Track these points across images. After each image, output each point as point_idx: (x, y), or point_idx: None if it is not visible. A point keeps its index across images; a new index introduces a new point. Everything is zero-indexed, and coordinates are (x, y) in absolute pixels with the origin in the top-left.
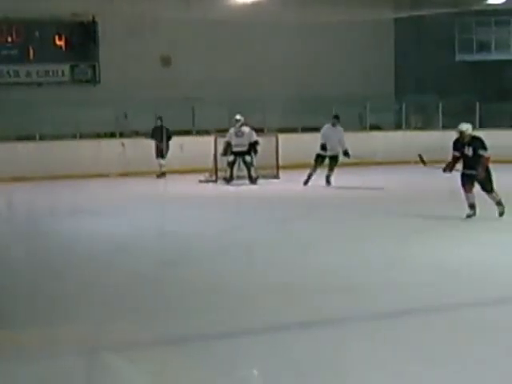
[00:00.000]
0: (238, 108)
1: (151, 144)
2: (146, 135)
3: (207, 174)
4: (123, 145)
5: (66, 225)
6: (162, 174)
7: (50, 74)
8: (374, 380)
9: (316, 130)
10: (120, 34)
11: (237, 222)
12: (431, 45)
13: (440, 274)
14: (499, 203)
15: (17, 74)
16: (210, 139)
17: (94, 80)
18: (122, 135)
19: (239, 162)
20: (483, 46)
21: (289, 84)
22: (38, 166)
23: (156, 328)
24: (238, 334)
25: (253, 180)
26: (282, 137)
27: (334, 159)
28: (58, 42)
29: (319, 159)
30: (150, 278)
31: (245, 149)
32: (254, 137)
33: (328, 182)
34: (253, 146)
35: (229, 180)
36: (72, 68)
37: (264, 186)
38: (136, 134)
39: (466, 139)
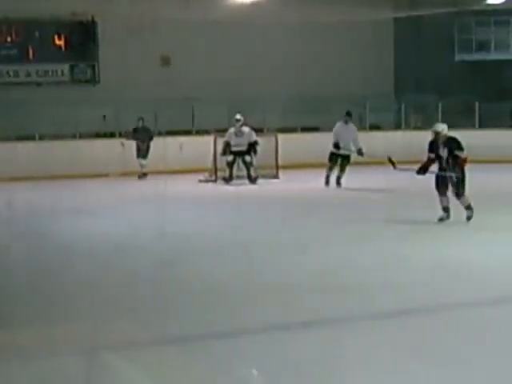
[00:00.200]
0: (237, 108)
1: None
2: (127, 136)
3: (207, 174)
4: (123, 145)
5: (65, 224)
6: (143, 175)
7: (50, 73)
8: (374, 380)
9: (315, 129)
10: (119, 33)
11: (236, 222)
12: (431, 45)
13: (439, 274)
14: (469, 207)
15: (16, 73)
16: (210, 139)
17: (93, 80)
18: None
19: (238, 161)
20: (483, 46)
21: (288, 84)
22: (37, 165)
23: (155, 328)
24: (238, 333)
25: (252, 180)
26: (281, 137)
27: (346, 159)
28: (57, 42)
29: (334, 157)
30: (149, 278)
31: (244, 149)
32: (254, 137)
33: (338, 183)
34: (252, 146)
35: (228, 180)
36: (71, 68)
37: (263, 185)
38: None
39: (442, 140)
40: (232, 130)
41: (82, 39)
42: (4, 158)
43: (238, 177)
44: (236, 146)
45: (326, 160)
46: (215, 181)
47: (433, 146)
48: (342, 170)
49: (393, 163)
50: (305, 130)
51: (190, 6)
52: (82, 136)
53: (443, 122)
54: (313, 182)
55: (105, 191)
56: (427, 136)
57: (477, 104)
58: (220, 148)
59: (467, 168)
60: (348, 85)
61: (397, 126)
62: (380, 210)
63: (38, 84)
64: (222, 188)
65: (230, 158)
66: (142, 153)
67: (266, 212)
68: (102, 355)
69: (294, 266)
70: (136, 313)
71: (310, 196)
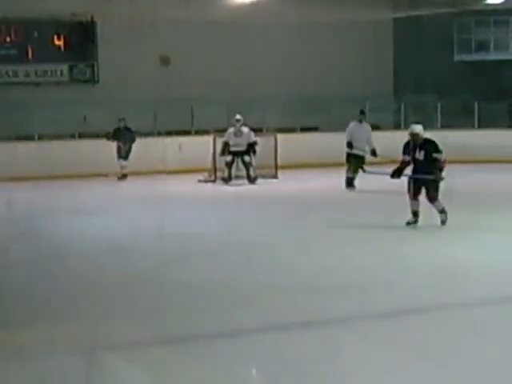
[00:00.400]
0: (236, 108)
1: (148, 143)
2: (107, 136)
3: (206, 174)
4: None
5: (64, 224)
6: (123, 176)
7: (49, 73)
8: (373, 380)
9: (315, 129)
10: (119, 33)
11: (235, 222)
12: (430, 45)
13: (438, 275)
14: (442, 211)
15: (15, 73)
16: (209, 139)
17: (92, 80)
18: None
19: (237, 162)
20: (482, 46)
21: (288, 84)
22: (36, 165)
23: (155, 328)
24: (237, 333)
25: (251, 180)
26: (280, 137)
27: (360, 160)
28: (56, 42)
29: (351, 158)
30: (149, 278)
31: (243, 149)
32: (253, 137)
33: (351, 185)
34: (251, 147)
35: (227, 180)
36: (71, 68)
37: (263, 185)
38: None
39: (418, 142)
40: (231, 130)
41: (82, 39)
42: (3, 158)
43: (237, 177)
44: (235, 146)
45: (325, 160)
46: (214, 181)
47: (408, 148)
48: (356, 171)
49: (362, 167)
50: (304, 130)
51: (190, 5)
52: (81, 136)
53: (443, 122)
54: (312, 182)
55: (104, 191)
56: (426, 136)
57: (476, 104)
58: (219, 148)
59: (446, 170)
60: (347, 85)
61: (396, 126)
62: (380, 211)
63: (37, 84)
64: (221, 188)
65: (229, 158)
66: (123, 154)
67: (266, 212)
68: (102, 355)
69: (294, 266)
70: (135, 313)
71: (310, 196)
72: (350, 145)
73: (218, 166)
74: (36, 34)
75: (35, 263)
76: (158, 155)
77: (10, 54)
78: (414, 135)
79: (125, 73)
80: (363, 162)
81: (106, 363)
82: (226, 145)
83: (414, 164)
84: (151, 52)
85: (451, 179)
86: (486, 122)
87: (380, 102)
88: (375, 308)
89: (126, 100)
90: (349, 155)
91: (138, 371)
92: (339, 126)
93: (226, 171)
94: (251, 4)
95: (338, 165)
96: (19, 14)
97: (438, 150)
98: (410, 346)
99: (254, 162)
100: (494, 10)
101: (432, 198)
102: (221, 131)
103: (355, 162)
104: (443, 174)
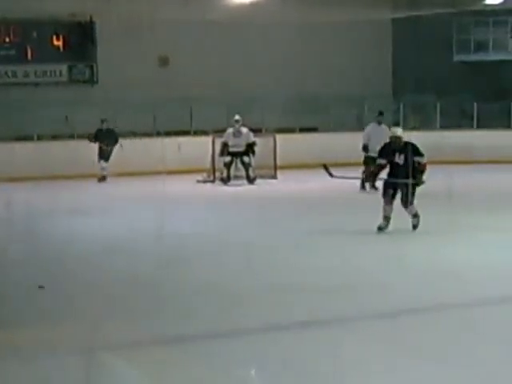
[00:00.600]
0: (235, 108)
1: (147, 144)
2: (89, 138)
3: (205, 175)
4: (121, 145)
5: (63, 225)
6: (102, 178)
7: (48, 74)
8: (373, 380)
9: (314, 130)
10: (118, 34)
11: (235, 223)
12: (429, 45)
13: (438, 275)
14: (416, 215)
15: (14, 74)
16: (208, 139)
17: (91, 80)
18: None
19: (236, 162)
20: (481, 47)
21: (287, 84)
22: (35, 166)
23: (154, 328)
24: (237, 333)
25: (251, 180)
26: (279, 137)
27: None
28: (55, 43)
29: (369, 161)
30: (148, 278)
31: (242, 149)
32: (252, 137)
33: (374, 187)
34: (250, 147)
35: (226, 181)
36: (70, 68)
37: (262, 186)
38: (133, 134)
39: (399, 145)
40: (230, 130)
41: (81, 39)
42: (2, 158)
43: (236, 177)
44: (234, 146)
45: (324, 160)
46: (213, 181)
47: (385, 152)
48: None
49: (329, 172)
50: (303, 130)
51: (189, 6)
52: (80, 136)
53: (442, 122)
54: (311, 182)
55: (103, 192)
56: (426, 136)
57: (475, 104)
58: (218, 148)
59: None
60: (347, 85)
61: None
62: (379, 212)
63: (37, 84)
64: (220, 188)
65: (228, 158)
66: (105, 155)
67: (265, 212)
68: (101, 355)
69: (293, 267)
70: (135, 313)
71: (309, 196)
72: (365, 148)
73: (216, 166)
74: (35, 34)
75: (34, 263)
76: (157, 155)
77: (9, 55)
78: (396, 138)
79: (124, 73)
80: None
81: (105, 363)
82: (224, 145)
83: (392, 168)
84: (150, 52)
85: (451, 180)
86: (485, 123)
87: (379, 103)
88: (375, 308)
89: (125, 100)
90: (366, 158)
91: (137, 371)
92: (338, 127)
93: (225, 172)
94: (250, 4)
95: (337, 165)
96: (18, 15)
97: (419, 153)
98: (410, 346)
99: (253, 163)
100: (493, 11)
101: (408, 202)
102: (220, 132)
103: (370, 164)
104: (424, 177)
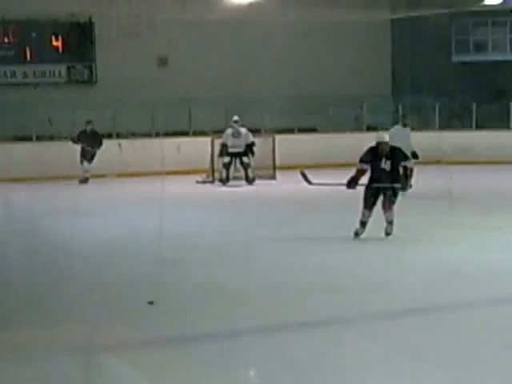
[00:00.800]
0: (234, 108)
1: (146, 144)
2: (73, 139)
3: (204, 175)
4: (120, 145)
5: (63, 225)
6: (84, 180)
7: (47, 74)
8: (373, 380)
9: (313, 130)
10: (117, 34)
11: (234, 223)
12: (428, 45)
13: (438, 275)
14: (391, 222)
15: (13, 74)
16: (207, 140)
17: (90, 80)
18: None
19: (235, 162)
20: (480, 47)
21: (285, 85)
22: (35, 166)
23: (154, 328)
24: (237, 334)
25: (250, 181)
26: (278, 137)
27: None
28: (54, 43)
29: None
30: (147, 279)
31: (241, 150)
32: (251, 138)
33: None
34: (249, 148)
35: (225, 181)
36: (69, 68)
37: (261, 186)
38: (133, 135)
39: (385, 151)
40: (229, 131)
41: (80, 40)
42: (1, 158)
43: (236, 178)
44: (233, 147)
45: (323, 161)
46: (213, 182)
47: (370, 157)
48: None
49: (307, 179)
50: (302, 130)
51: (188, 6)
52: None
53: (440, 122)
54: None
55: (102, 192)
56: (424, 137)
57: (474, 105)
58: (217, 149)
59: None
60: (345, 86)
61: None
62: (379, 211)
63: (36, 85)
64: (219, 189)
65: (227, 159)
66: (88, 157)
67: (264, 213)
68: (101, 356)
69: (293, 267)
70: (135, 313)
71: (308, 197)
72: None
73: (216, 166)
74: (34, 34)
75: (34, 263)
76: (156, 156)
77: (8, 55)
78: (384, 144)
79: (123, 73)
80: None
81: (104, 363)
82: (224, 146)
83: (377, 173)
84: (149, 53)
85: (450, 180)
86: (484, 123)
87: (378, 103)
88: (375, 308)
89: (124, 101)
90: None
91: (136, 371)
92: (337, 127)
93: (224, 172)
94: (250, 5)
95: (336, 165)
96: (17, 15)
97: (406, 158)
98: (410, 345)
99: (252, 163)
100: (492, 11)
101: (389, 207)
102: (219, 132)
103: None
104: (411, 181)
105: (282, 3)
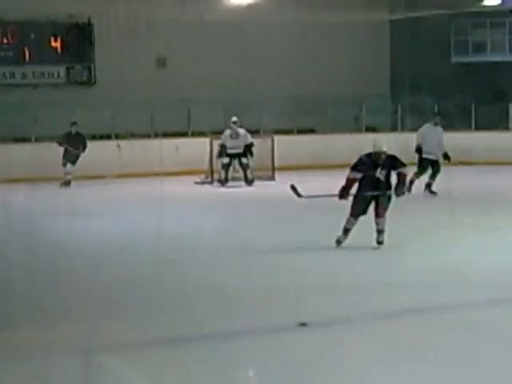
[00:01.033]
0: (233, 109)
1: (144, 145)
2: (58, 142)
3: (203, 176)
4: (119, 146)
5: (62, 226)
6: (67, 182)
7: (46, 75)
8: (373, 380)
9: (312, 131)
10: (116, 35)
11: (233, 224)
12: (427, 46)
13: (439, 275)
14: (383, 231)
15: (12, 75)
16: (206, 141)
17: (89, 81)
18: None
19: (234, 163)
20: (479, 48)
21: (284, 85)
22: (34, 167)
23: (154, 328)
24: (236, 334)
25: (249, 182)
26: (277, 138)
27: (436, 164)
28: (53, 44)
29: (425, 163)
30: (147, 279)
31: (240, 151)
32: (250, 139)
33: (431, 191)
34: (248, 148)
35: (223, 182)
36: (68, 69)
37: (260, 187)
38: (132, 135)
39: (382, 160)
40: (227, 132)
41: (78, 41)
42: (0, 159)
43: (234, 178)
44: (232, 148)
45: (322, 162)
46: (211, 183)
47: (364, 165)
48: (433, 177)
49: (297, 192)
50: (301, 131)
51: (187, 7)
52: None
53: (440, 123)
54: (309, 183)
55: (101, 193)
56: None
57: (473, 106)
58: (216, 150)
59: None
60: (344, 86)
61: (393, 128)
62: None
63: (34, 86)
64: (218, 190)
65: (226, 160)
66: (72, 159)
67: (263, 213)
68: (100, 356)
69: (292, 267)
70: (134, 313)
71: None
72: (419, 150)
73: (214, 167)
74: (33, 35)
75: (33, 264)
76: (155, 157)
77: (7, 56)
78: (380, 153)
79: (122, 74)
80: (439, 168)
81: (103, 363)
82: (222, 147)
83: (371, 182)
84: (148, 53)
85: (449, 181)
86: (483, 124)
87: (377, 104)
88: (375, 308)
89: (122, 101)
90: (421, 160)
91: (136, 371)
92: (336, 128)
93: (223, 173)
94: (248, 5)
95: (335, 166)
96: (16, 16)
97: (403, 165)
98: (410, 345)
99: (251, 164)
100: (491, 12)
101: (382, 213)
102: (217, 133)
103: (433, 168)
104: (411, 188)
105: (281, 4)
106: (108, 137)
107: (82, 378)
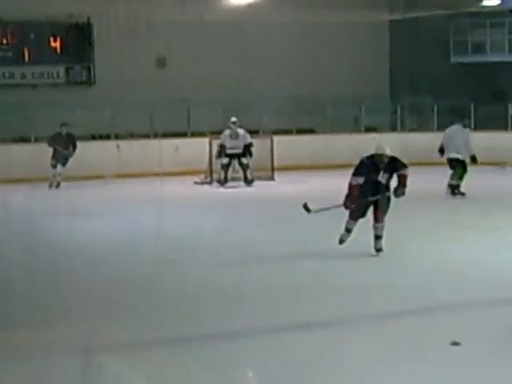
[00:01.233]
0: (233, 109)
1: (144, 145)
2: (49, 143)
3: (202, 176)
4: (118, 146)
5: (61, 226)
6: (57, 184)
7: (45, 75)
8: (373, 380)
9: (311, 131)
10: (115, 35)
11: (233, 224)
12: (426, 46)
13: (439, 275)
14: (381, 237)
15: (12, 75)
16: (206, 141)
17: (89, 81)
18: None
19: (234, 164)
20: (478, 48)
21: (284, 85)
22: (33, 167)
23: (154, 328)
24: (236, 334)
25: (248, 182)
26: (277, 138)
27: (461, 164)
28: (53, 44)
29: (454, 163)
30: (147, 279)
31: (239, 151)
32: (249, 139)
33: (460, 192)
34: (247, 149)
35: (223, 182)
36: (67, 69)
37: (259, 187)
38: (131, 135)
39: (385, 163)
40: (227, 132)
41: (78, 41)
42: (0, 159)
43: (234, 179)
44: (231, 148)
45: (321, 162)
46: (211, 183)
47: (366, 170)
48: (461, 177)
49: (307, 209)
50: (300, 131)
51: (187, 7)
52: (77, 138)
53: (439, 123)
54: (309, 183)
55: (101, 193)
56: (423, 138)
57: (472, 106)
58: (215, 150)
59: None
60: (343, 86)
61: (392, 128)
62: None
63: (34, 86)
64: (217, 190)
65: (225, 160)
66: (62, 160)
67: (263, 213)
68: (100, 356)
69: (292, 267)
70: (134, 313)
71: (307, 198)
72: (441, 150)
73: (214, 167)
74: (32, 35)
75: (33, 264)
76: (154, 157)
77: (7, 56)
78: (383, 156)
79: (121, 74)
80: (465, 167)
81: (103, 364)
82: (222, 147)
83: (370, 186)
84: (148, 54)
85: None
86: (483, 124)
87: (376, 104)
88: (375, 308)
89: (122, 102)
90: (451, 160)
91: (136, 371)
92: (335, 128)
93: (222, 173)
94: (248, 5)
95: (334, 166)
96: (15, 16)
97: (404, 165)
98: (410, 345)
99: (250, 164)
100: (490, 12)
101: (380, 218)
102: (217, 133)
103: (460, 168)
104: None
105: (281, 4)
106: (107, 137)
107: (82, 378)
